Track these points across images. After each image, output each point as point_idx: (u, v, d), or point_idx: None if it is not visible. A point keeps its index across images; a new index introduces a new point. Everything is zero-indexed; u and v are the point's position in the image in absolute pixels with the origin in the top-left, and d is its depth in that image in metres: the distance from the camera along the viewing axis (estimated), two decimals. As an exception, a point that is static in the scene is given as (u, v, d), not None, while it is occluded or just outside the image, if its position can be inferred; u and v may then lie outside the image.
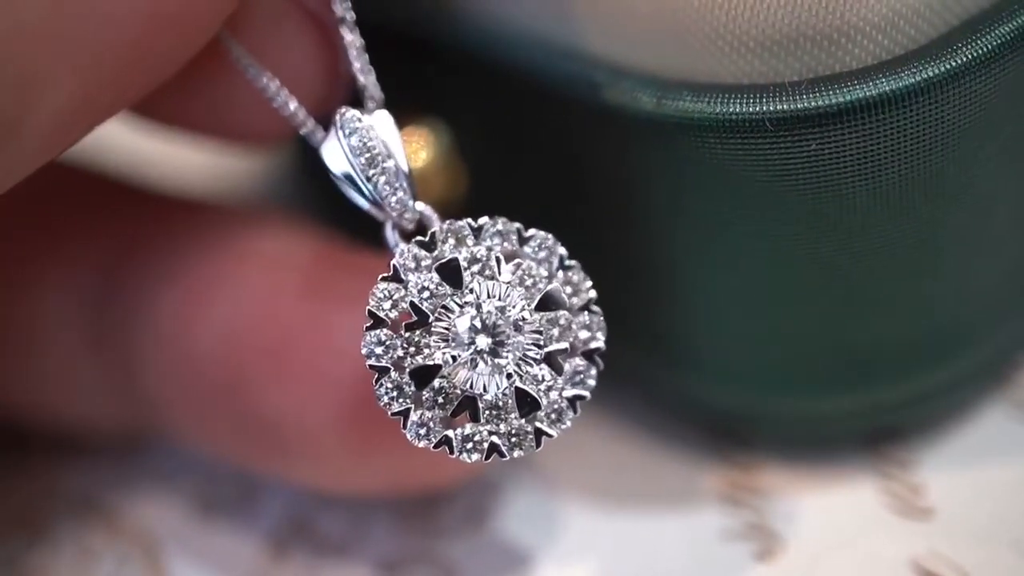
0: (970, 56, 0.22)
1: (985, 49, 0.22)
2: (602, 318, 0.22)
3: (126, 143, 0.30)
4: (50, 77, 0.19)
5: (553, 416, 0.22)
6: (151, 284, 0.25)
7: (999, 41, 0.22)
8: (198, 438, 0.26)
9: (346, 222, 0.25)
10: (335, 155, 0.22)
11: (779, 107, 0.22)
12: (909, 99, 0.22)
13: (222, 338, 0.25)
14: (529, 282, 0.22)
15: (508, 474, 0.28)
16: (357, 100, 0.23)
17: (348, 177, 0.22)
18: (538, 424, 0.22)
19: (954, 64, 0.22)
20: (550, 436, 0.22)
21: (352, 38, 0.23)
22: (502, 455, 0.22)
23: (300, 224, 0.26)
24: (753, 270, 0.24)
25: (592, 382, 0.22)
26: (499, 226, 0.22)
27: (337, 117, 0.22)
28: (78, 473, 0.29)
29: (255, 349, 0.24)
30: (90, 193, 0.27)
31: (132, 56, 0.20)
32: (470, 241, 0.22)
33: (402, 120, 0.27)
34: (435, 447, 0.22)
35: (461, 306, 0.22)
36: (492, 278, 0.22)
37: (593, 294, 0.22)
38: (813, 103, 0.22)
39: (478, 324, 0.22)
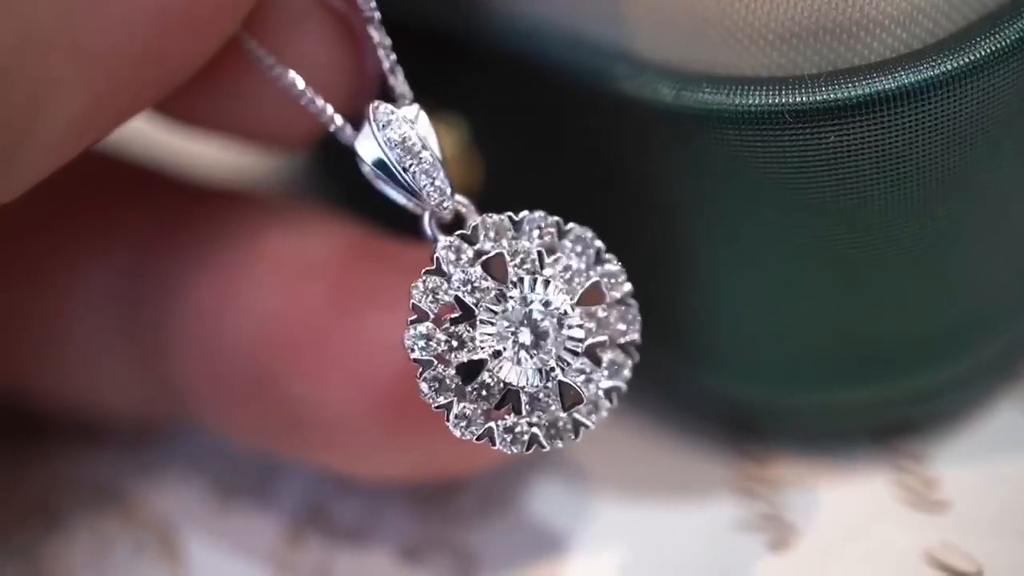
0: (989, 50, 0.22)
1: (1005, 43, 0.22)
2: (637, 310, 0.22)
3: (157, 136, 0.30)
4: (61, 83, 0.19)
5: (591, 407, 0.22)
6: (182, 272, 0.25)
7: (1019, 35, 0.22)
8: (225, 425, 0.26)
9: (370, 219, 0.25)
10: (370, 148, 0.23)
11: (798, 99, 0.22)
12: (928, 93, 0.22)
13: (252, 328, 0.25)
14: (569, 276, 0.22)
15: (526, 463, 0.28)
16: (386, 97, 0.23)
17: (384, 169, 0.22)
18: (576, 415, 0.22)
19: (973, 58, 0.22)
20: (588, 427, 0.22)
21: (379, 37, 0.23)
22: (542, 446, 0.22)
23: (331, 215, 0.26)
24: (769, 263, 0.24)
25: (628, 373, 0.23)
26: (539, 220, 0.22)
27: (370, 110, 0.23)
28: (94, 461, 0.30)
29: (285, 340, 0.24)
30: (122, 181, 0.27)
31: (143, 59, 0.20)
32: (511, 234, 0.22)
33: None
34: (478, 439, 0.22)
35: (504, 299, 0.22)
36: (534, 272, 0.22)
37: (629, 287, 0.22)
38: (832, 95, 0.22)
39: (520, 317, 0.22)
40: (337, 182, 0.23)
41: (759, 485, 0.27)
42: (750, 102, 0.23)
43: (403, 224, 0.24)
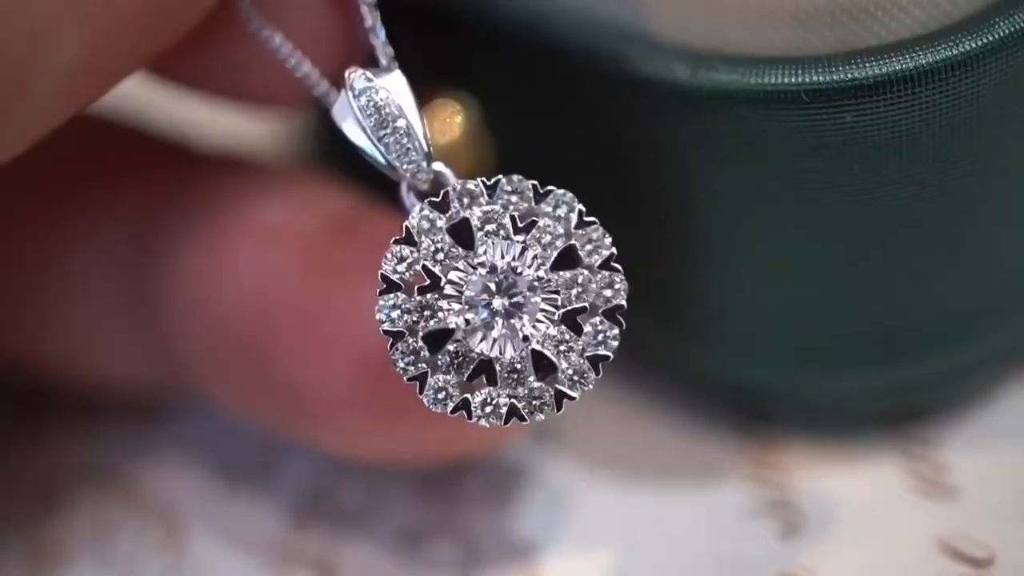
0: (1008, 31, 0.22)
1: (1022, 24, 0.22)
2: (622, 275, 0.21)
3: (158, 102, 0.29)
4: (58, 30, 0.19)
5: (574, 378, 0.22)
6: (177, 243, 0.25)
7: (1037, 17, 0.22)
8: (224, 400, 0.26)
9: (370, 181, 0.25)
10: (345, 115, 0.22)
11: (814, 79, 0.22)
12: (945, 73, 0.22)
13: (243, 301, 0.25)
14: (545, 240, 0.21)
15: (531, 448, 0.28)
16: (374, 62, 0.23)
17: (360, 139, 0.22)
18: (558, 387, 0.22)
19: (991, 39, 0.22)
20: (572, 399, 0.22)
21: None
22: (522, 419, 0.22)
23: (329, 183, 0.26)
24: (782, 244, 0.24)
25: (614, 342, 0.21)
26: (514, 183, 0.22)
27: (347, 77, 0.22)
28: (96, 444, 0.29)
29: (277, 313, 0.24)
30: (123, 148, 0.27)
31: (140, 13, 0.20)
32: (483, 200, 0.21)
33: (431, 94, 0.28)
34: (452, 412, 0.22)
35: (474, 267, 0.21)
36: (506, 237, 0.21)
37: (613, 250, 0.21)
38: (849, 75, 0.22)
39: (492, 285, 0.21)
40: (339, 148, 0.22)
41: (768, 471, 0.27)
42: (766, 81, 0.22)
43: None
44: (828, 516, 0.25)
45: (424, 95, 0.27)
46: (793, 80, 0.22)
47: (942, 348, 0.26)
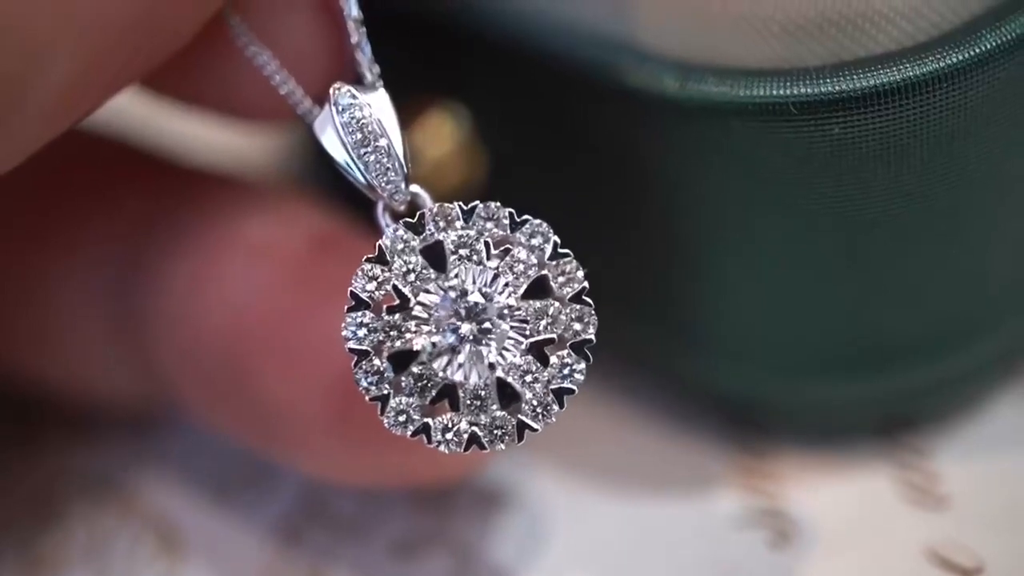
0: (994, 43, 0.22)
1: (1009, 37, 0.22)
2: (594, 310, 0.21)
3: (150, 117, 0.30)
4: (52, 45, 0.19)
5: (538, 409, 0.21)
6: (163, 261, 0.25)
7: (1023, 29, 0.22)
8: (207, 417, 0.26)
9: (353, 201, 0.25)
10: (328, 133, 0.22)
11: (803, 91, 0.22)
12: (933, 85, 0.22)
13: (227, 317, 0.24)
14: (518, 268, 0.21)
15: (521, 458, 0.28)
16: (360, 79, 0.23)
17: (340, 156, 0.22)
18: (521, 417, 0.21)
19: (978, 51, 0.22)
20: (534, 430, 0.21)
21: (349, 9, 0.22)
22: (482, 447, 0.21)
23: (311, 204, 0.26)
24: (772, 255, 0.24)
25: (580, 376, 0.21)
26: (491, 210, 0.21)
27: (331, 93, 0.22)
28: (92, 453, 0.29)
29: (256, 334, 0.24)
30: (110, 165, 0.27)
31: (135, 24, 0.20)
32: (459, 224, 0.21)
33: (423, 105, 0.28)
34: (412, 435, 0.21)
35: (444, 290, 0.21)
36: (479, 263, 0.21)
37: (585, 284, 0.21)
38: (836, 88, 0.22)
39: (461, 310, 0.21)
40: (324, 167, 0.22)
41: (759, 480, 0.27)
42: (755, 94, 0.23)
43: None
44: (819, 525, 0.26)
45: (416, 106, 0.27)
46: (781, 92, 0.22)
47: (933, 357, 0.26)
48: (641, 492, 0.27)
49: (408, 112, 0.23)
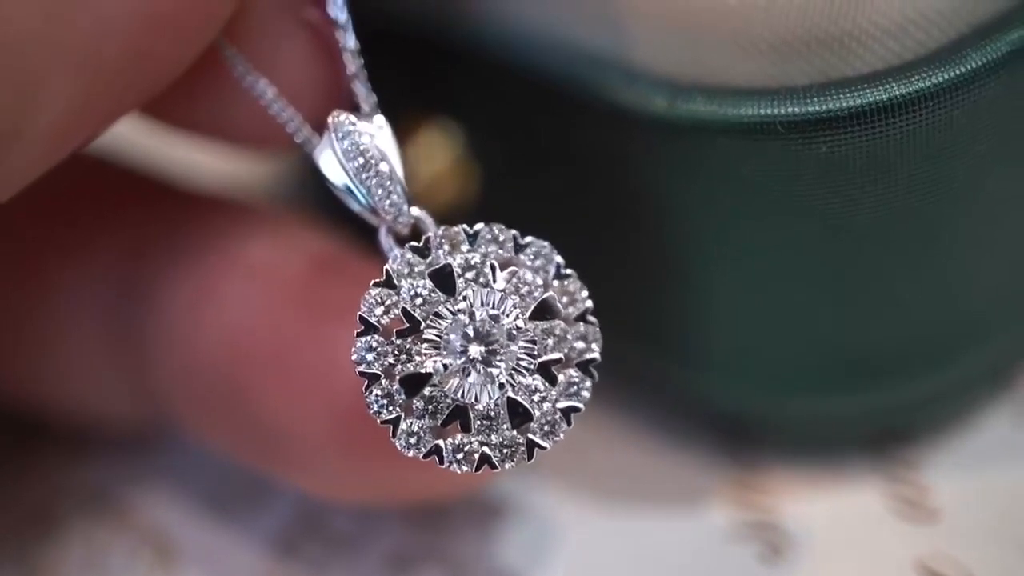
0: (980, 62, 0.22)
1: (995, 55, 0.22)
2: (598, 329, 0.22)
3: (147, 141, 0.30)
4: (49, 81, 0.19)
5: (546, 428, 0.22)
6: (162, 282, 0.25)
7: (1009, 48, 0.22)
8: (205, 438, 0.26)
9: (354, 225, 0.25)
10: (328, 159, 0.22)
11: (790, 110, 0.22)
12: (919, 104, 0.22)
13: (225, 342, 0.25)
14: (524, 290, 0.21)
15: (517, 474, 0.28)
16: (356, 106, 0.23)
17: (342, 181, 0.22)
18: (530, 436, 0.22)
19: (964, 70, 0.22)
20: (543, 448, 0.22)
21: (345, 41, 0.23)
22: (493, 467, 0.22)
23: (311, 227, 0.26)
24: (762, 271, 0.25)
25: (587, 394, 0.22)
26: (495, 232, 0.22)
27: (331, 121, 0.22)
28: (90, 468, 0.30)
29: (256, 356, 0.24)
30: (110, 188, 0.27)
31: (130, 59, 0.20)
32: (465, 247, 0.22)
33: (416, 122, 0.28)
34: (424, 457, 0.21)
35: (454, 313, 0.21)
36: (486, 285, 0.21)
37: (590, 304, 0.22)
38: (823, 107, 0.22)
39: (471, 332, 0.21)
40: (323, 192, 0.23)
41: (751, 494, 0.27)
42: (743, 112, 0.23)
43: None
44: (811, 538, 0.26)
45: (408, 124, 0.27)
46: (769, 111, 0.22)
47: (923, 372, 0.26)
48: (634, 506, 0.27)
49: (400, 130, 0.23)
